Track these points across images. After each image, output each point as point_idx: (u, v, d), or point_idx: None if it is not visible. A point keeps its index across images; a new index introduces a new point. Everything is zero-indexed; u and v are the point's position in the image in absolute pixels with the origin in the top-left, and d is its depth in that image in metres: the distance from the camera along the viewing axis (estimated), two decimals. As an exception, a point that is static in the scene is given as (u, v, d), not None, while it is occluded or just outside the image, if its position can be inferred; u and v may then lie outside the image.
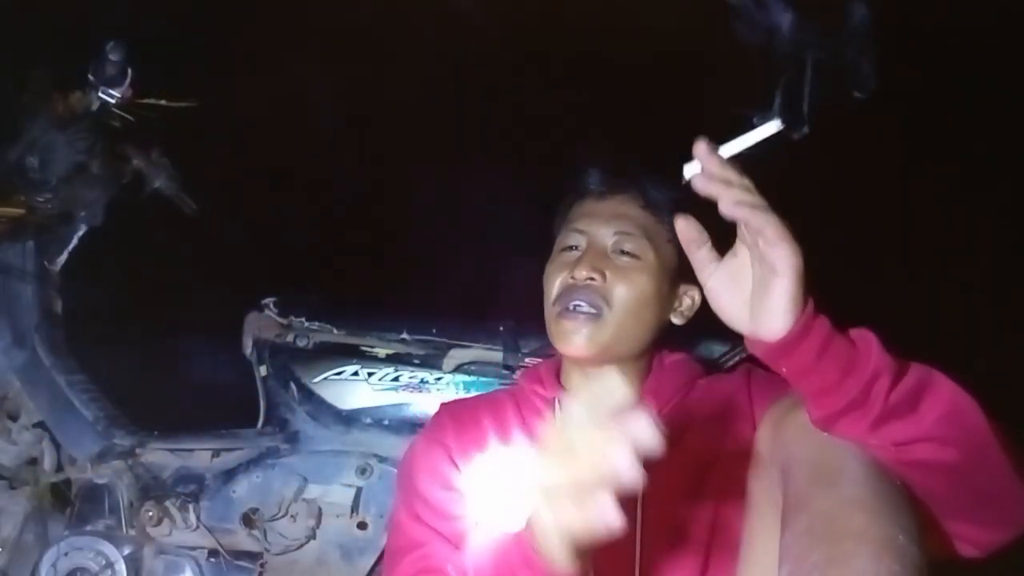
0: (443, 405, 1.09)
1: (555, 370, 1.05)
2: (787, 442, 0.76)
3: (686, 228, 0.74)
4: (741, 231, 0.73)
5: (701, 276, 0.76)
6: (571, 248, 1.01)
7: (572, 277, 0.97)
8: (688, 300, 1.03)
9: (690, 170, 0.71)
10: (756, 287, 0.71)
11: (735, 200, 0.68)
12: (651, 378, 1.02)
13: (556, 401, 0.99)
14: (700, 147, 0.70)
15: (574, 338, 0.95)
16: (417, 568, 0.92)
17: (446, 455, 0.99)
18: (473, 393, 1.38)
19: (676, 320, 1.02)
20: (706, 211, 0.72)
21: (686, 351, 1.10)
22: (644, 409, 0.95)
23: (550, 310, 0.99)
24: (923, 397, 0.69)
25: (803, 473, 0.72)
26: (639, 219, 1.00)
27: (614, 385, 0.64)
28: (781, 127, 0.68)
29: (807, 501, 0.68)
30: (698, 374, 1.04)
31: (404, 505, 0.99)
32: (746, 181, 0.70)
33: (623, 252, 0.98)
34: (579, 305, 0.95)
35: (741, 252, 0.74)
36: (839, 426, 0.71)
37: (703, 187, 0.69)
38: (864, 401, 0.68)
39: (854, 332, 0.71)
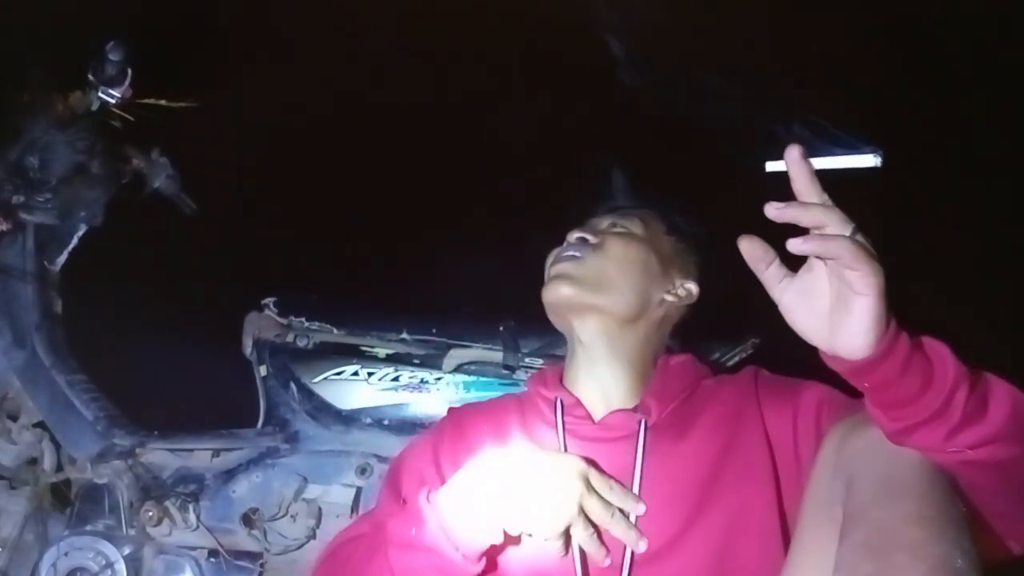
0: (451, 409, 1.11)
1: (559, 373, 1.06)
2: (854, 456, 0.75)
3: (751, 247, 0.72)
4: None
5: (773, 293, 0.73)
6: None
7: (567, 243, 1.03)
8: (684, 291, 1.05)
9: (773, 166, 0.69)
10: (836, 304, 0.69)
11: (802, 240, 0.66)
12: (655, 379, 1.01)
13: (557, 400, 1.00)
14: (792, 152, 0.67)
15: (555, 282, 0.99)
16: (348, 536, 0.96)
17: (431, 455, 1.01)
18: (473, 393, 1.39)
19: (669, 298, 1.03)
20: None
21: (691, 353, 1.11)
22: (646, 411, 0.96)
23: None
24: (989, 400, 0.70)
25: (867, 486, 0.71)
26: (637, 212, 1.08)
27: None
28: (877, 163, 0.66)
29: (867, 513, 0.68)
30: (703, 375, 1.03)
31: (384, 484, 1.03)
32: (825, 197, 0.68)
33: (615, 227, 1.05)
34: (568, 254, 1.00)
35: (816, 266, 0.72)
36: (916, 437, 0.70)
37: (777, 215, 0.68)
38: (944, 411, 0.68)
39: (927, 343, 0.70)
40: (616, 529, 0.85)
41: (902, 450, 0.72)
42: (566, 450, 0.96)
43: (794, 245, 0.67)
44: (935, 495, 0.68)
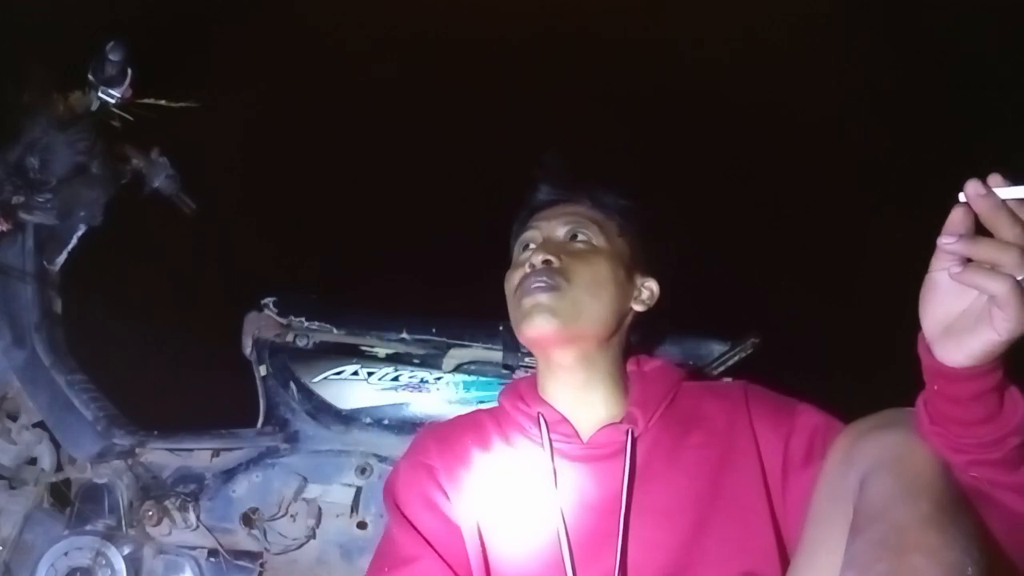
0: (423, 429, 1.09)
1: (533, 385, 1.04)
2: (872, 454, 0.75)
3: (964, 214, 0.65)
4: None
5: (935, 264, 0.69)
6: (527, 247, 1.03)
7: (530, 266, 0.98)
8: (647, 291, 1.04)
9: (962, 199, 0.65)
10: (969, 312, 0.67)
11: (961, 270, 0.64)
12: (635, 388, 1.00)
13: (540, 416, 0.98)
14: (970, 187, 0.64)
15: (535, 316, 0.94)
16: None
17: (431, 476, 0.98)
18: (473, 392, 1.39)
19: (637, 307, 1.02)
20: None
21: (663, 357, 1.12)
22: (633, 421, 0.95)
23: (512, 303, 1.00)
24: None
25: (886, 484, 0.71)
26: (589, 214, 1.04)
27: None
28: None
29: (885, 511, 0.68)
30: (680, 378, 1.03)
31: (394, 521, 0.98)
32: (1019, 229, 0.63)
33: (576, 240, 1.01)
34: (539, 284, 0.95)
35: None
36: (949, 448, 0.70)
37: (950, 249, 0.65)
38: (991, 448, 0.68)
39: (1014, 390, 0.69)
40: None
41: (923, 453, 0.72)
42: (555, 471, 0.94)
43: (953, 273, 0.65)
44: (952, 500, 0.68)
